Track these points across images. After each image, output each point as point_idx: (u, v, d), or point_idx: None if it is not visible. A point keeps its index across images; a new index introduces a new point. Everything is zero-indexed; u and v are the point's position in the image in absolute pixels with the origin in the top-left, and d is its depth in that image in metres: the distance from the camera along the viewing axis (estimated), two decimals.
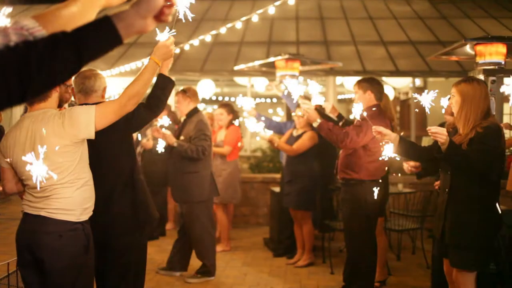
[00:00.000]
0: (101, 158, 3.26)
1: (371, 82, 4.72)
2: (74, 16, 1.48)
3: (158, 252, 6.43)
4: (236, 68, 7.93)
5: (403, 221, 6.09)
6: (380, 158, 3.65)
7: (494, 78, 4.96)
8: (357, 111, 4.14)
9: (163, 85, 3.42)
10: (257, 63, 7.03)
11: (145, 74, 2.96)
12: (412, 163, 4.00)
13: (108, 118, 2.86)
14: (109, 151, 3.44)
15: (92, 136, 2.82)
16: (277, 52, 7.36)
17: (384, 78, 10.16)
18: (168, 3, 1.42)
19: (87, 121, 2.78)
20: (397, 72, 9.28)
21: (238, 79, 11.81)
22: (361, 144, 4.49)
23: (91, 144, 2.97)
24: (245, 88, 12.05)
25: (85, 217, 2.89)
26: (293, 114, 6.14)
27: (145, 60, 8.02)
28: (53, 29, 1.39)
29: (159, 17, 1.42)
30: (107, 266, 3.46)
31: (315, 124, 4.60)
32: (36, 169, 2.47)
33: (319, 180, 6.03)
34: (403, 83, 11.37)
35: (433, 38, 10.23)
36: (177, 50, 7.69)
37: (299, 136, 5.97)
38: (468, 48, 5.31)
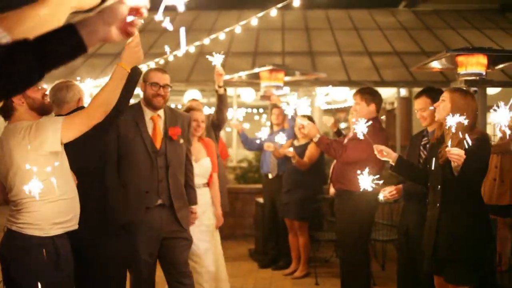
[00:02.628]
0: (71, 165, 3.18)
1: (374, 94, 4.72)
2: (42, 19, 1.45)
3: None
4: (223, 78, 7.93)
5: (387, 231, 6.10)
6: (361, 190, 3.53)
7: (475, 88, 5.00)
8: (360, 126, 3.63)
9: (129, 77, 3.28)
10: (241, 73, 7.04)
11: (112, 82, 2.79)
12: (388, 191, 3.98)
13: (76, 129, 2.78)
14: (78, 158, 3.33)
15: (57, 148, 2.75)
16: (263, 62, 7.38)
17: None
18: (134, 16, 1.41)
19: (53, 133, 2.73)
20: (382, 83, 9.33)
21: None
22: (358, 159, 4.43)
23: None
24: (231, 98, 12.05)
25: (56, 231, 2.80)
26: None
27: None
28: (19, 32, 1.37)
29: (126, 29, 1.41)
30: (87, 281, 3.40)
31: (315, 139, 4.58)
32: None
33: (318, 190, 6.03)
34: (388, 93, 11.43)
35: (417, 49, 10.33)
36: (162, 61, 7.67)
37: (301, 146, 5.96)
38: (449, 59, 5.34)
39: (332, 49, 10.59)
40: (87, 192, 3.21)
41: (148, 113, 3.74)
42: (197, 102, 5.35)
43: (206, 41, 6.90)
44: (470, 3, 11.99)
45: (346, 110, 12.22)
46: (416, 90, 11.15)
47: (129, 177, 3.64)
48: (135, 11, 1.42)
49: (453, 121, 3.07)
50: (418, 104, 4.07)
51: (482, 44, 9.88)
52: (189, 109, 4.45)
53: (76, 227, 2.93)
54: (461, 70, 5.09)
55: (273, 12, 5.56)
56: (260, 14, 5.78)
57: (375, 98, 4.73)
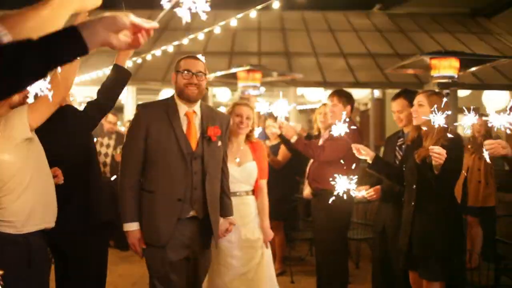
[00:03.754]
0: (52, 160, 3.19)
1: (349, 97, 4.83)
2: (44, 20, 1.47)
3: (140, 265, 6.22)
4: None
5: (362, 230, 6.21)
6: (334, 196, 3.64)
7: (448, 91, 5.15)
8: (338, 127, 3.79)
9: (118, 78, 3.28)
10: (219, 73, 7.08)
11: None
12: (366, 191, 4.09)
13: (41, 111, 2.78)
14: (61, 154, 3.34)
15: (27, 135, 2.74)
16: (239, 62, 7.44)
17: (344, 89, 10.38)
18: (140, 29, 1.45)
19: (19, 120, 2.72)
20: (357, 84, 9.48)
21: None
22: (336, 158, 4.50)
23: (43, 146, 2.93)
24: (206, 98, 12.07)
25: (30, 229, 2.75)
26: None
27: (106, 69, 7.95)
28: (21, 32, 1.39)
29: (132, 42, 1.45)
30: (65, 277, 3.41)
31: (292, 140, 4.64)
32: None
33: (294, 190, 6.09)
34: (362, 94, 11.61)
35: (391, 51, 10.51)
36: (139, 60, 7.67)
37: (274, 146, 6.03)
38: (423, 62, 5.49)
39: (307, 50, 10.70)
40: (70, 189, 3.22)
41: (182, 108, 3.21)
42: (245, 101, 4.85)
43: (185, 41, 6.92)
44: (442, 7, 12.22)
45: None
46: (390, 91, 11.39)
47: (158, 182, 3.16)
48: (138, 29, 1.45)
49: (439, 120, 3.17)
50: (396, 106, 4.17)
51: (453, 47, 10.13)
52: (234, 104, 3.95)
53: (53, 225, 2.89)
54: (434, 73, 5.25)
55: (253, 13, 5.62)
56: (240, 16, 5.83)
57: (350, 100, 4.84)
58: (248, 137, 3.94)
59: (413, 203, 3.52)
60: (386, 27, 11.83)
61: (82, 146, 3.48)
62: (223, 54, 10.28)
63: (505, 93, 9.06)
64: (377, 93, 11.29)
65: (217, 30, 6.29)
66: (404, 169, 3.68)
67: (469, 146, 5.37)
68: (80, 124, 3.37)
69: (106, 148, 6.96)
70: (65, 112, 3.36)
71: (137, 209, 3.17)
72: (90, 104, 3.40)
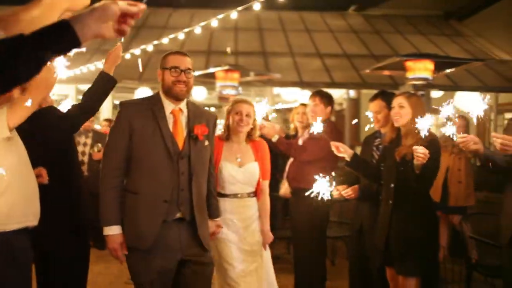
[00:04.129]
0: (32, 160, 3.19)
1: (330, 98, 4.92)
2: (35, 20, 1.50)
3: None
4: None
5: (338, 228, 6.31)
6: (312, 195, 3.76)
7: (422, 92, 5.29)
8: (317, 126, 4.01)
9: (105, 85, 3.31)
10: (197, 73, 7.11)
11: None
12: (343, 190, 4.20)
13: (21, 111, 2.79)
14: (41, 155, 3.33)
15: (6, 134, 2.73)
16: (216, 61, 7.46)
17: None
18: (129, 15, 1.49)
19: None
20: (333, 84, 9.58)
21: None
22: (317, 157, 4.60)
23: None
24: None
25: (12, 227, 2.74)
26: None
27: (83, 68, 7.87)
28: (14, 32, 1.40)
29: (119, 28, 1.48)
30: (46, 278, 3.41)
31: (274, 139, 4.70)
32: None
33: (272, 188, 6.13)
34: (338, 94, 11.73)
35: (367, 52, 10.64)
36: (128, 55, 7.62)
37: None
38: (399, 63, 5.63)
39: (284, 50, 10.77)
40: (51, 189, 3.23)
41: (168, 106, 3.09)
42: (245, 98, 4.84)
43: (165, 40, 6.93)
44: (416, 9, 12.40)
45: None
46: (365, 91, 11.54)
47: (143, 182, 3.02)
48: (127, 15, 1.49)
49: (424, 123, 3.29)
50: (373, 107, 4.27)
51: (427, 49, 10.33)
52: (234, 102, 3.80)
53: (36, 223, 2.90)
54: (409, 75, 5.38)
55: (234, 14, 5.67)
56: (220, 16, 5.87)
57: (331, 101, 4.94)
58: (250, 135, 3.79)
59: (391, 202, 3.63)
60: (361, 28, 11.97)
61: (63, 147, 3.49)
62: (200, 53, 10.28)
63: (476, 94, 9.29)
64: (352, 93, 11.42)
65: (197, 30, 6.32)
66: (382, 168, 3.79)
67: (445, 145, 5.51)
68: (60, 126, 3.39)
69: (83, 146, 6.93)
70: (46, 113, 3.38)
71: (119, 211, 3.01)
72: (74, 106, 3.43)
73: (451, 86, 8.87)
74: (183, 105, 3.14)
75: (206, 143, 3.18)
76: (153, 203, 2.98)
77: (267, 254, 3.89)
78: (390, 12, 12.47)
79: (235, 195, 3.71)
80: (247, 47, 11.02)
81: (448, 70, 5.93)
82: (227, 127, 3.77)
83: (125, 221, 3.02)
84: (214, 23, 6.00)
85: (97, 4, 1.44)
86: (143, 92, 11.11)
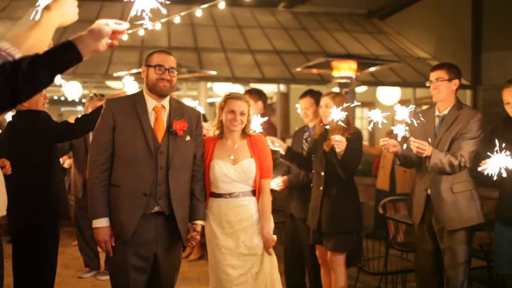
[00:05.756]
0: (17, 158, 3.49)
1: (260, 93, 5.30)
2: (38, 38, 1.85)
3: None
4: (115, 74, 8.17)
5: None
6: None
7: (347, 89, 5.81)
8: (256, 122, 4.08)
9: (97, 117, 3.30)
10: (134, 71, 7.30)
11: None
12: (276, 182, 4.65)
13: None
14: (26, 154, 3.63)
15: None
16: None
17: (252, 84, 10.89)
18: (117, 32, 1.94)
19: None
20: (264, 79, 9.96)
21: (111, 83, 11.85)
22: None
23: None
24: (116, 91, 12.09)
25: None
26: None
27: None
28: (25, 48, 1.78)
29: (110, 43, 1.93)
30: (19, 268, 3.64)
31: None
32: None
33: None
34: (269, 88, 12.16)
35: (296, 48, 11.06)
36: None
37: None
38: (326, 63, 6.12)
39: (216, 46, 11.04)
40: (26, 181, 3.52)
41: (151, 103, 3.19)
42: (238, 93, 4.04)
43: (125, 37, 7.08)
44: (341, 7, 12.92)
45: None
46: (294, 86, 12.01)
47: (124, 176, 3.11)
48: (115, 32, 1.94)
49: (339, 116, 3.78)
50: (303, 103, 4.72)
51: (352, 46, 10.94)
52: (227, 98, 3.59)
53: (4, 213, 3.15)
54: (335, 73, 5.89)
55: (198, 12, 5.93)
56: (183, 13, 6.09)
57: (262, 96, 5.34)
58: (244, 132, 3.61)
59: (321, 188, 4.14)
60: (290, 25, 12.36)
61: (45, 151, 3.76)
62: (134, 48, 10.38)
63: (397, 89, 10.00)
64: (282, 87, 11.85)
65: (157, 26, 6.53)
66: (312, 159, 4.27)
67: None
68: (47, 133, 3.70)
69: None
70: (36, 117, 3.69)
71: (107, 204, 3.10)
72: (66, 123, 3.75)
73: (374, 82, 9.51)
74: (165, 102, 3.23)
75: (188, 138, 3.24)
76: (133, 196, 3.08)
77: (272, 259, 3.58)
78: (317, 9, 12.94)
79: (230, 195, 3.50)
80: (180, 42, 11.19)
81: (371, 69, 6.50)
82: (220, 123, 3.59)
83: (110, 214, 3.12)
84: (177, 19, 6.27)
85: (93, 26, 1.87)
86: (73, 86, 11.03)
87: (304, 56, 10.48)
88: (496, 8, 8.76)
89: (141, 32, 6.99)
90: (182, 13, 6.22)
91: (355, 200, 4.24)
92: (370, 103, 11.63)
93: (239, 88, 10.77)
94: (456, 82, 3.84)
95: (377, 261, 4.65)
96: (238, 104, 3.52)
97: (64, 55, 1.76)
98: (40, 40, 1.84)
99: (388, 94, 10.03)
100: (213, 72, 8.23)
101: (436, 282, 3.97)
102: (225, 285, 3.44)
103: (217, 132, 3.59)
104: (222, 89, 12.31)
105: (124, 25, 1.96)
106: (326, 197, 4.15)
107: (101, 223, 3.07)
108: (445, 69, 3.84)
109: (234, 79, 9.95)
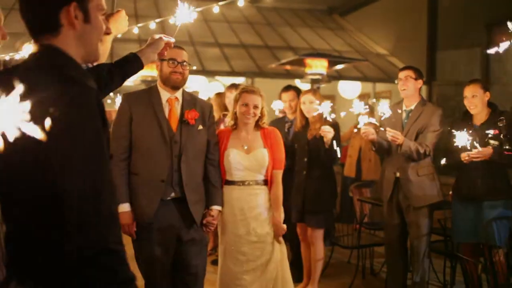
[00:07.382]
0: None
1: (236, 86, 5.77)
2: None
3: None
4: None
5: None
6: None
7: (318, 85, 6.41)
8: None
9: None
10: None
11: None
12: None
13: None
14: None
15: None
16: (119, 49, 7.82)
17: (220, 78, 11.32)
18: (167, 45, 2.50)
19: None
20: (233, 73, 10.33)
21: None
22: None
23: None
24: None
25: None
26: None
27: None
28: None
29: (161, 53, 2.49)
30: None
31: None
32: None
33: None
34: (239, 81, 12.54)
35: (261, 43, 11.38)
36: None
37: None
38: (299, 60, 6.69)
39: (185, 39, 11.32)
40: None
41: (164, 95, 3.42)
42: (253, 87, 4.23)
43: None
44: (302, 3, 13.17)
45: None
46: (258, 79, 12.39)
47: (142, 164, 3.34)
48: (166, 44, 2.50)
49: (326, 109, 4.39)
50: (288, 96, 5.31)
51: (314, 41, 11.47)
52: (242, 91, 3.76)
53: None
54: (308, 70, 6.49)
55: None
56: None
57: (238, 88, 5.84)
58: (258, 124, 3.78)
59: (304, 172, 4.75)
60: (255, 20, 12.65)
61: None
62: (129, 41, 10.56)
63: (357, 84, 10.64)
64: (250, 81, 12.28)
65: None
66: (296, 147, 4.85)
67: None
68: None
69: None
70: None
71: (127, 191, 3.33)
72: None
73: (336, 77, 10.09)
74: (179, 94, 3.44)
75: (200, 127, 3.44)
76: (151, 183, 3.31)
77: (282, 248, 3.76)
78: (279, 5, 13.22)
79: (242, 182, 3.68)
80: (148, 34, 11.37)
81: (338, 66, 7.13)
82: (235, 115, 3.78)
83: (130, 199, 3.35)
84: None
85: (152, 41, 2.44)
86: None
87: (269, 50, 10.90)
88: (450, 9, 9.39)
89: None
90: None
91: (332, 182, 4.91)
92: (331, 96, 12.24)
93: (208, 81, 11.12)
94: (420, 81, 4.52)
95: (349, 238, 5.28)
96: (252, 97, 3.69)
97: (132, 66, 2.33)
98: (105, 49, 2.38)
99: (349, 88, 10.66)
100: (193, 67, 8.60)
101: (402, 251, 4.68)
102: (234, 270, 3.60)
103: (231, 123, 3.80)
104: (193, 83, 12.63)
105: (172, 39, 2.52)
106: (309, 180, 4.78)
107: (123, 208, 3.29)
108: (412, 70, 4.52)
109: (204, 72, 10.29)
